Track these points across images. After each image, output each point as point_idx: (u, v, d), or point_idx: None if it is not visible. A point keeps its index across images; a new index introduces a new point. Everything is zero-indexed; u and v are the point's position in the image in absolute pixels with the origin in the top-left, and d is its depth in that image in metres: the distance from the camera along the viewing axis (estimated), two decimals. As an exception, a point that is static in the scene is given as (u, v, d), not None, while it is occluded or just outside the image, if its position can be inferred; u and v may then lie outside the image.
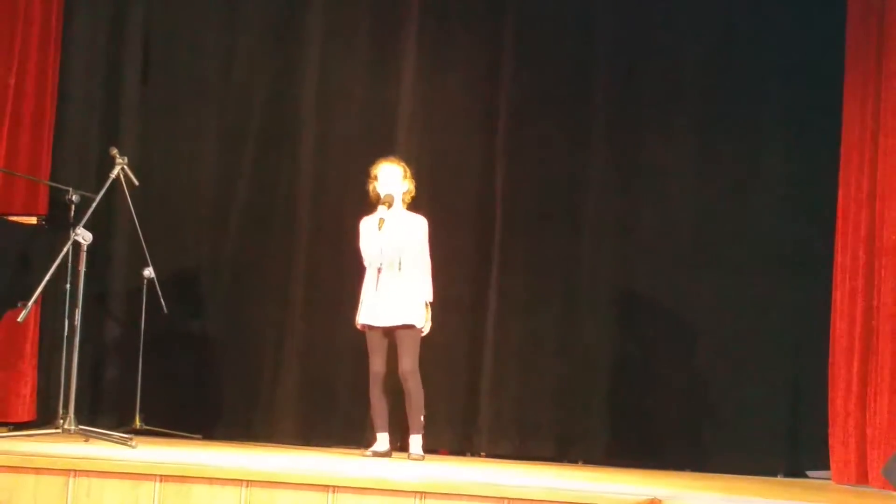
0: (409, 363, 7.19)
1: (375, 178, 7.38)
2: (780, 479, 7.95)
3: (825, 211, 7.98)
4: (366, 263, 7.29)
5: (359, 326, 7.32)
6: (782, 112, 8.38)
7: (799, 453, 8.18)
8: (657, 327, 8.38)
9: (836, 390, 7.69)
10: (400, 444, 7.67)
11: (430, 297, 7.32)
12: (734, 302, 8.30)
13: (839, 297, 7.78)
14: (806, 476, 8.10)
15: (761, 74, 8.40)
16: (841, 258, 7.80)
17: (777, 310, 8.26)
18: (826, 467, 7.78)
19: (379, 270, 7.24)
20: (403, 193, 7.38)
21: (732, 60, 8.43)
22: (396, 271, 7.23)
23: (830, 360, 7.81)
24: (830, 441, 7.71)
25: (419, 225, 7.37)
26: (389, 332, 7.24)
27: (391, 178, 7.36)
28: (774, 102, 8.39)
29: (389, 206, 7.27)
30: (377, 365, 7.25)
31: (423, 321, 7.24)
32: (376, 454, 7.18)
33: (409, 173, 7.41)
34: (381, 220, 7.19)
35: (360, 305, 7.31)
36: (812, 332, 8.08)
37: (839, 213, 7.87)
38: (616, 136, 8.48)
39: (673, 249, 8.36)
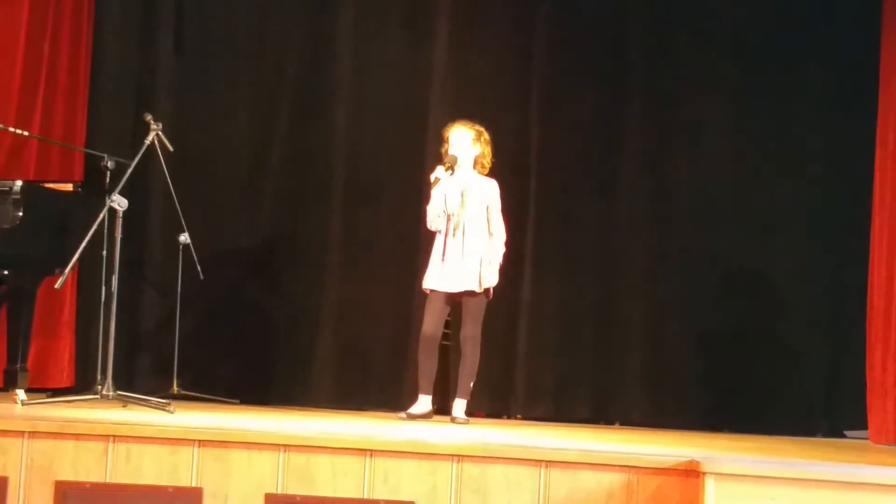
0: (471, 329, 7.18)
1: (447, 140, 7.33)
2: (818, 439, 7.94)
3: (862, 172, 7.93)
4: (428, 226, 7.27)
5: (426, 291, 7.30)
6: (818, 72, 8.32)
7: (837, 413, 8.17)
8: (693, 289, 8.34)
9: (874, 350, 7.67)
10: (437, 407, 7.69)
11: (500, 259, 7.29)
12: (771, 264, 8.29)
13: (876, 257, 7.74)
14: (844, 436, 8.09)
15: (797, 34, 8.33)
16: (878, 218, 7.76)
17: (814, 270, 8.23)
18: (864, 427, 7.76)
19: (446, 234, 7.22)
20: (476, 157, 7.33)
21: (767, 21, 8.36)
22: (461, 236, 7.20)
23: (868, 319, 7.78)
24: (868, 401, 7.69)
25: (489, 188, 7.31)
26: (454, 297, 7.23)
27: (459, 141, 7.30)
28: (810, 62, 8.32)
29: (449, 167, 7.22)
30: (431, 327, 7.20)
31: (488, 284, 7.20)
32: (412, 416, 7.17)
33: (483, 137, 7.34)
34: (437, 179, 7.18)
35: (427, 269, 7.28)
36: (850, 292, 8.06)
37: (876, 174, 7.82)
38: (651, 99, 8.43)
39: (709, 212, 8.33)
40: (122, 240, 6.77)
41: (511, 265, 8.28)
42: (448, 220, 7.21)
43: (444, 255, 7.20)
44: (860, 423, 7.84)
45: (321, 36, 8.63)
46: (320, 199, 8.51)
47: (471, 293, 7.17)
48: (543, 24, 8.50)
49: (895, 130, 7.63)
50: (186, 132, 8.33)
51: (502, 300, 8.25)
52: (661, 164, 8.41)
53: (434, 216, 7.21)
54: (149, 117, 7.08)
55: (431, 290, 7.25)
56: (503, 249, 7.33)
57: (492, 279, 7.23)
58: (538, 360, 8.34)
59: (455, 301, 7.26)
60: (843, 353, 8.18)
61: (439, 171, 7.21)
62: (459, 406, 7.22)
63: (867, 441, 7.67)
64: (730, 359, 8.27)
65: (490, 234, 7.28)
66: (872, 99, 7.85)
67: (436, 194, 7.21)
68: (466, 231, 7.21)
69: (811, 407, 8.20)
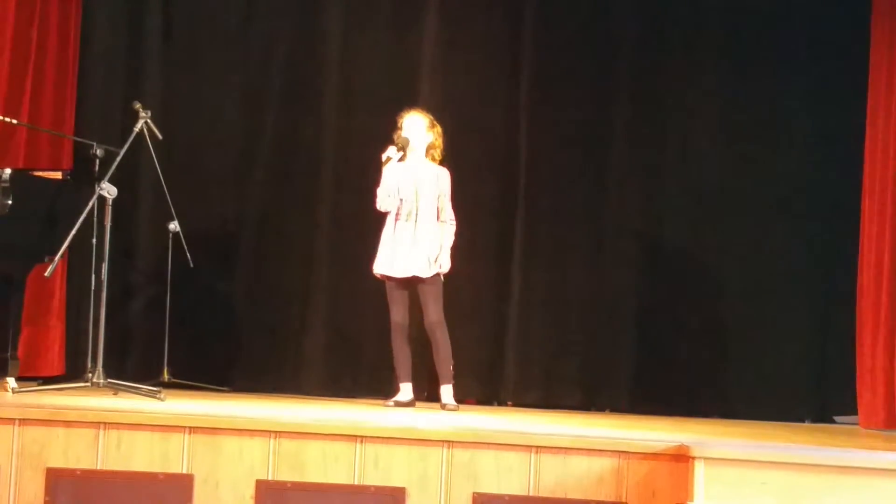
0: (434, 314, 7.19)
1: (400, 126, 7.37)
2: (807, 424, 7.97)
3: (853, 155, 7.95)
4: (378, 206, 7.27)
5: (377, 275, 7.33)
6: (809, 55, 8.34)
7: (826, 399, 8.20)
8: (683, 275, 8.36)
9: (864, 335, 7.69)
10: (427, 393, 7.71)
11: (448, 243, 7.27)
12: (761, 249, 8.30)
13: (867, 241, 7.76)
14: (833, 421, 8.11)
15: (786, 17, 8.34)
16: (868, 202, 7.78)
17: (804, 255, 8.26)
18: (853, 412, 7.79)
19: (396, 218, 7.24)
20: (427, 145, 7.36)
21: (756, 5, 8.36)
22: (413, 221, 7.23)
23: (858, 305, 7.80)
24: (858, 386, 7.72)
25: (441, 177, 7.35)
26: (408, 283, 7.25)
27: (413, 127, 7.35)
28: (800, 45, 8.34)
29: (401, 148, 7.27)
30: (398, 315, 7.25)
31: (445, 269, 7.22)
32: (398, 404, 7.20)
33: (437, 129, 7.39)
34: (388, 159, 7.22)
35: (378, 254, 7.31)
36: (840, 278, 8.09)
37: (866, 157, 7.83)
38: (640, 84, 8.44)
39: (698, 196, 8.35)
40: (111, 228, 6.76)
41: (501, 254, 8.33)
42: (401, 203, 7.23)
43: (393, 237, 7.23)
44: (850, 408, 7.86)
45: (310, 24, 8.61)
46: (309, 188, 8.50)
47: (425, 278, 7.18)
48: (533, 16, 8.50)
49: (885, 116, 7.64)
50: (175, 120, 8.31)
51: (493, 288, 8.30)
52: (650, 153, 8.42)
53: (385, 196, 7.24)
54: (137, 105, 7.06)
55: (385, 277, 7.26)
56: (452, 237, 7.33)
57: (448, 264, 7.26)
58: (528, 347, 8.35)
59: (409, 285, 7.27)
60: (832, 338, 8.19)
61: (391, 151, 7.26)
62: (447, 392, 7.23)
63: (857, 426, 7.69)
64: (719, 345, 8.29)
65: (442, 221, 7.29)
66: (864, 80, 7.87)
67: (387, 175, 7.24)
68: (419, 218, 7.25)
69: (801, 392, 8.21)
